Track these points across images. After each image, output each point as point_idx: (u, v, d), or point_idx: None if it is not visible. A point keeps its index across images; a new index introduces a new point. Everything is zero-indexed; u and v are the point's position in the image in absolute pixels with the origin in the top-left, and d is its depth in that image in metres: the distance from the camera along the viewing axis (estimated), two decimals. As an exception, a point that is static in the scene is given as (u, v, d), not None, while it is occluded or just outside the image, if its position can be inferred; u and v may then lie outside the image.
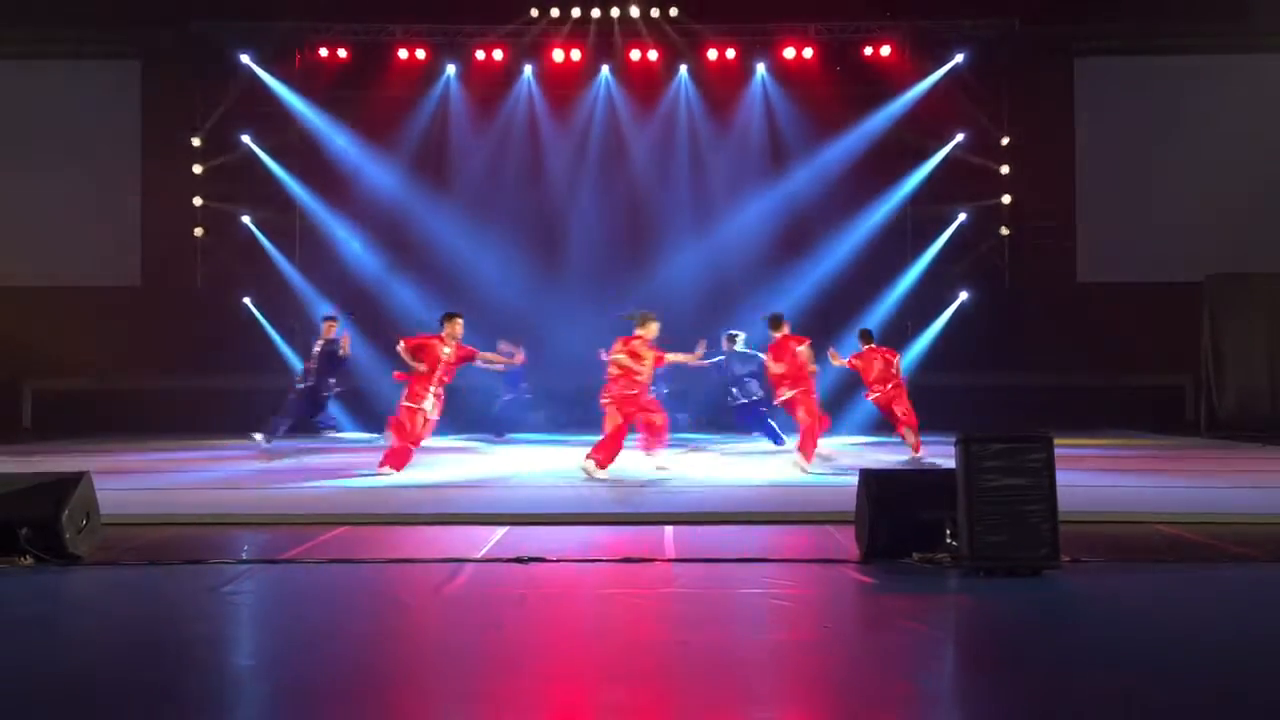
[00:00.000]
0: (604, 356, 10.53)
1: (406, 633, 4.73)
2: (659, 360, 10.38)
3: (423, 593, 5.36)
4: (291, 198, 18.10)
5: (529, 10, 17.46)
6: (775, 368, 11.16)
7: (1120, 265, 17.80)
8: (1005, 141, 18.02)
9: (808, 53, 17.89)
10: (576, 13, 17.50)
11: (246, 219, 18.11)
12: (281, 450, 12.72)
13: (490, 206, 17.68)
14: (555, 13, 17.48)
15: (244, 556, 6.29)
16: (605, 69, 18.02)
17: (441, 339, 10.30)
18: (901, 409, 11.78)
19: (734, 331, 13.55)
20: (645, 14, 17.48)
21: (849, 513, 6.33)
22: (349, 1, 17.68)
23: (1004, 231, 18.17)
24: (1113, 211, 17.98)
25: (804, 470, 10.46)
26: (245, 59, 17.72)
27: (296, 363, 14.20)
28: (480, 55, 17.90)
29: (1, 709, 3.63)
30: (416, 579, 5.66)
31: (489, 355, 12.27)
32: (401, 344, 10.38)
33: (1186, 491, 9.08)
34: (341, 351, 12.82)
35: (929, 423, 11.91)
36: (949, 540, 5.72)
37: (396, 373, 10.65)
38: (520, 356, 14.34)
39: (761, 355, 12.03)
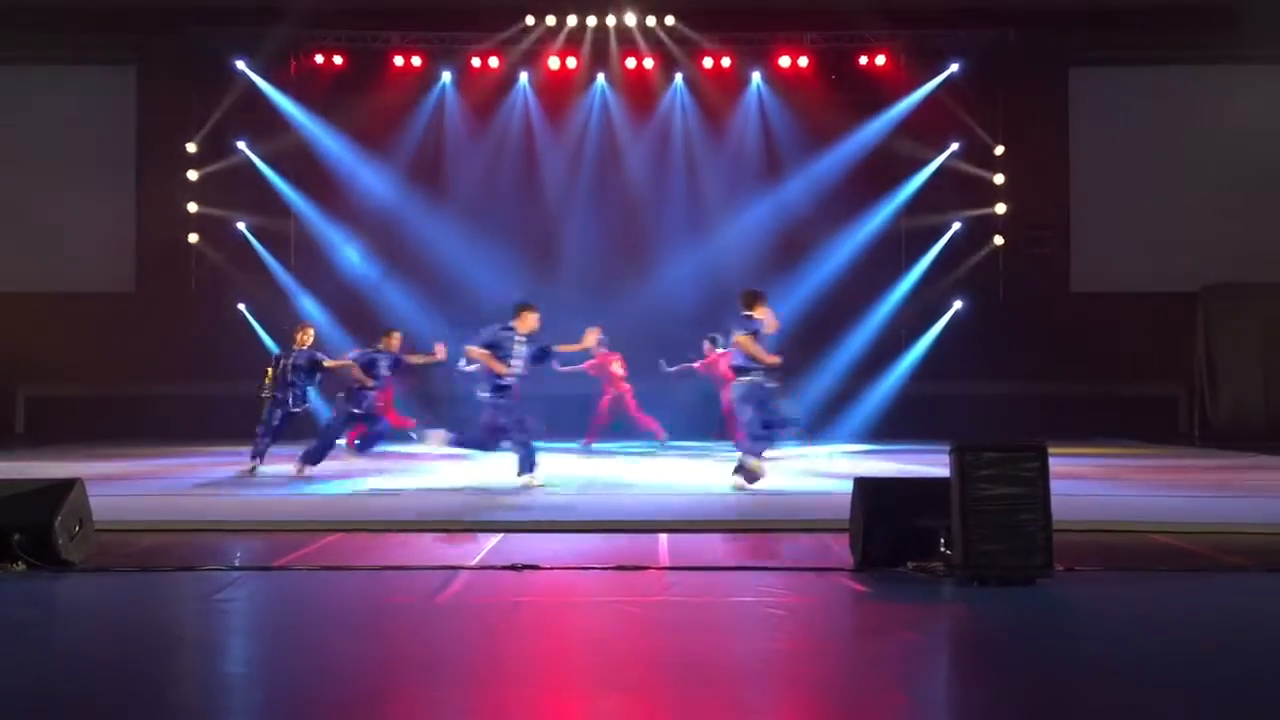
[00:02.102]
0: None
1: (399, 640, 4.71)
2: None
3: (416, 600, 5.33)
4: (286, 204, 18.05)
5: (525, 18, 17.46)
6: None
7: (1115, 275, 17.78)
8: (1000, 151, 18.03)
9: (803, 61, 17.89)
10: (572, 20, 17.48)
11: (241, 225, 18.07)
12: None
13: (485, 214, 17.62)
14: (551, 20, 17.48)
15: (236, 563, 6.27)
16: (601, 77, 18.01)
17: None
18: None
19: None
20: (641, 22, 17.48)
21: (844, 520, 6.32)
22: (345, 8, 17.66)
23: (998, 241, 18.16)
24: (1107, 221, 17.98)
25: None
26: (241, 65, 17.69)
27: None
28: (476, 63, 17.88)
29: (-8, 716, 3.62)
30: (410, 586, 5.64)
31: None
32: None
33: (1180, 501, 9.09)
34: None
35: (925, 432, 11.88)
36: (943, 549, 5.72)
37: None
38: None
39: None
